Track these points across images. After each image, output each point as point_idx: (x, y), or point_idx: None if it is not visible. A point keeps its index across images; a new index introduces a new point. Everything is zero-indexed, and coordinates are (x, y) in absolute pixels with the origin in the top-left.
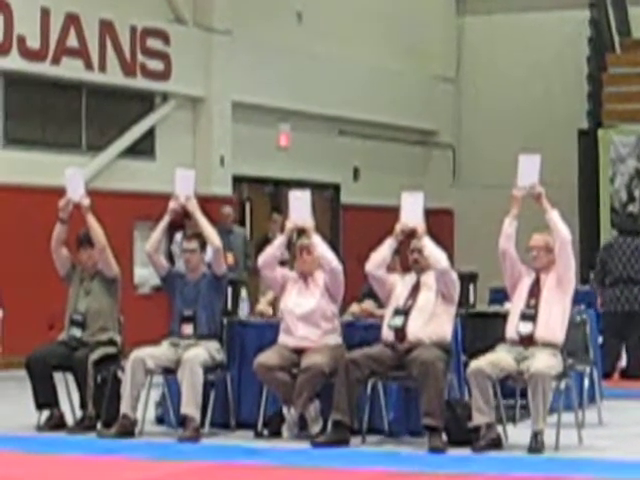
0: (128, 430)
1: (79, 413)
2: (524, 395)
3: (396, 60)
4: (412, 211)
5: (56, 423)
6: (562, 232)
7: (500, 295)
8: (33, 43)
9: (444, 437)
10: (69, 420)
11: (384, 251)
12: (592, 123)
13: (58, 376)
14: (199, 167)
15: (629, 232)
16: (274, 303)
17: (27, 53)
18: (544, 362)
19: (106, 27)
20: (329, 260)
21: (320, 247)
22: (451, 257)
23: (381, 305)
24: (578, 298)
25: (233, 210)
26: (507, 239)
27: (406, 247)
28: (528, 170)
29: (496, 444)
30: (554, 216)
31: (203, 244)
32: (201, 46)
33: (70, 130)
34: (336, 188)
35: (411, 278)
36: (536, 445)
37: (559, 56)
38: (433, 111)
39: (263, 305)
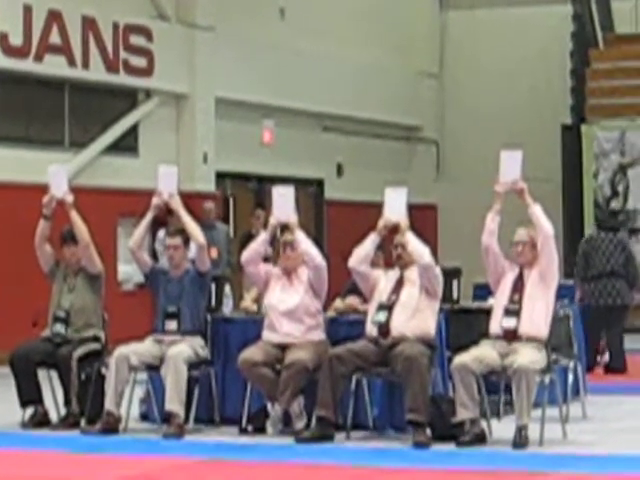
0: (112, 427)
1: (63, 410)
2: (508, 390)
3: (379, 56)
4: (395, 206)
5: (40, 420)
6: (545, 227)
7: (484, 291)
8: (16, 40)
9: (428, 432)
10: (53, 417)
11: (367, 246)
12: (575, 118)
13: (42, 373)
14: (182, 163)
15: (610, 228)
16: (258, 299)
17: (10, 50)
18: (528, 357)
19: (89, 24)
20: (313, 256)
21: (304, 243)
22: (435, 252)
23: (365, 301)
24: (562, 293)
25: (215, 206)
26: (490, 234)
27: (389, 243)
28: (510, 165)
29: (480, 439)
30: (536, 211)
31: (186, 240)
32: (184, 42)
33: (53, 127)
34: (320, 184)
35: (394, 273)
36: (520, 440)
37: (542, 51)
38: (417, 107)
39: (248, 302)
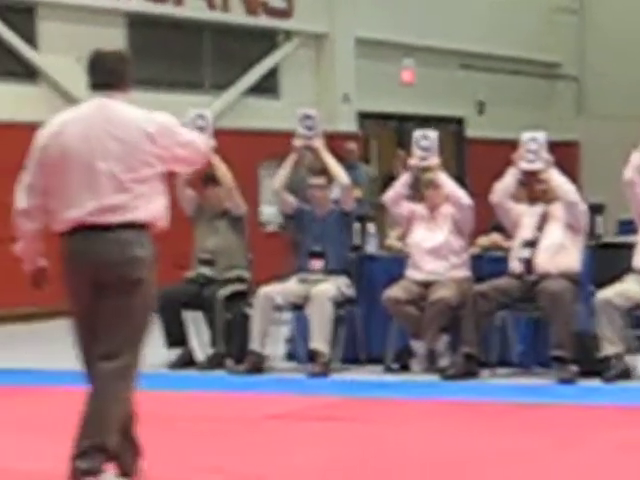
0: (258, 366)
1: (209, 350)
2: None
3: None
4: (534, 152)
5: (186, 361)
6: None
7: (629, 227)
8: None
9: (573, 368)
10: (199, 357)
11: (507, 180)
12: None
13: (188, 314)
14: (323, 104)
15: None
16: (403, 238)
17: None
18: None
19: None
20: (459, 197)
21: (448, 185)
22: (578, 188)
23: (508, 237)
24: None
25: (357, 146)
26: (634, 170)
27: (533, 178)
28: None
29: (626, 374)
30: None
31: (329, 180)
32: None
33: (193, 70)
34: (459, 122)
35: (538, 209)
36: None
37: None
38: (557, 43)
39: (392, 240)
